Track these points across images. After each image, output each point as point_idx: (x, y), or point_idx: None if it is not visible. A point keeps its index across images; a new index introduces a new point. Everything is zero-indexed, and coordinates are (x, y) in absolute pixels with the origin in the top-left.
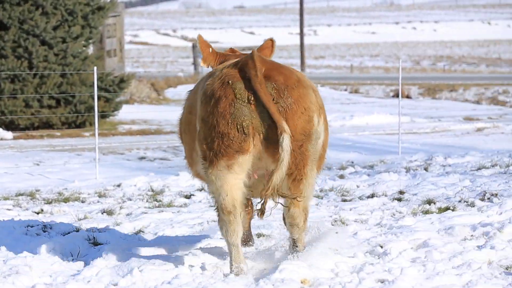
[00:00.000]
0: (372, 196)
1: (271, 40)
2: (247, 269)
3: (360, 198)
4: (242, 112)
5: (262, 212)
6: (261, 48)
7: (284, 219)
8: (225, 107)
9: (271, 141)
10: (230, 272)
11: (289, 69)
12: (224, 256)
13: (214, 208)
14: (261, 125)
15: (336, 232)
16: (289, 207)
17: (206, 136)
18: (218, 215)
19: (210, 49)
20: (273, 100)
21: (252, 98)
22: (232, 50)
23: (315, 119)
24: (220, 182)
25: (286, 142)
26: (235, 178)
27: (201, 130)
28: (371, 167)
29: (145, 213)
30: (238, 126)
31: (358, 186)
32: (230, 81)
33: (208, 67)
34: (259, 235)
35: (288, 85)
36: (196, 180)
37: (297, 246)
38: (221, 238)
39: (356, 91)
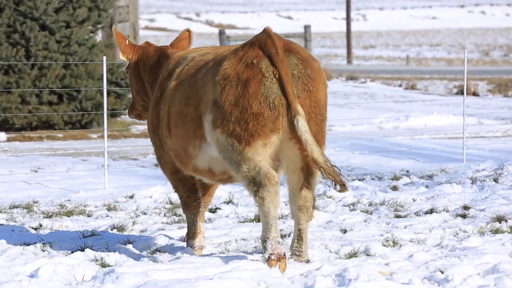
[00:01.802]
0: (431, 211)
1: (188, 31)
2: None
3: (417, 214)
4: (272, 90)
5: (343, 185)
6: (177, 40)
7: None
8: (256, 87)
9: (290, 122)
10: (267, 245)
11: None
12: (258, 282)
13: (252, 184)
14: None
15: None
16: (300, 188)
17: (239, 120)
18: (258, 189)
19: (127, 41)
20: (300, 72)
21: (277, 75)
22: (147, 43)
23: (327, 90)
24: (259, 157)
25: (302, 123)
26: (268, 156)
27: (229, 115)
28: (430, 177)
29: (162, 229)
30: (271, 105)
31: (414, 200)
32: (254, 61)
33: (127, 60)
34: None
35: (309, 57)
36: (222, 192)
37: (301, 240)
38: (258, 238)
39: (413, 87)
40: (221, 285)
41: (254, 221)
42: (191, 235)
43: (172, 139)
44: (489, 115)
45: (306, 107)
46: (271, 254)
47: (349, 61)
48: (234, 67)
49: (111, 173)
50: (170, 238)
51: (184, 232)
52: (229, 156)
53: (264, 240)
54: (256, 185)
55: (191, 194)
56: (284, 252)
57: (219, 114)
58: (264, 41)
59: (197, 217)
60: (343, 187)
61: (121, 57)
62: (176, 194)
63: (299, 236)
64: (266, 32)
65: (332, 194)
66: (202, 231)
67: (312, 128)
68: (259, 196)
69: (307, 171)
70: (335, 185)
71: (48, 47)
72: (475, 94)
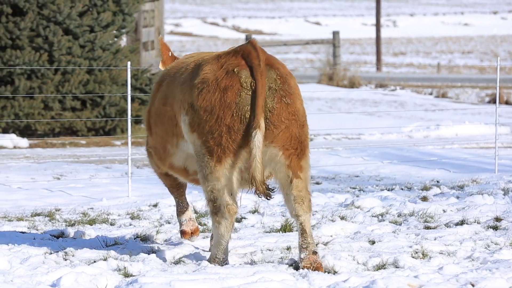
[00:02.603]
0: (462, 223)
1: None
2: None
3: (447, 225)
4: (246, 102)
5: (267, 195)
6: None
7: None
8: (232, 97)
9: (265, 134)
10: (215, 262)
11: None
12: None
13: (212, 204)
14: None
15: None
16: (291, 180)
17: (213, 130)
18: (217, 212)
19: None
20: (278, 86)
21: (254, 88)
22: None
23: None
24: (225, 180)
25: (258, 138)
26: (236, 173)
27: (203, 123)
28: (461, 187)
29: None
30: (242, 117)
31: (444, 211)
32: (235, 69)
33: None
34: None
35: (287, 74)
36: (248, 201)
37: (305, 233)
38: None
39: (444, 95)
40: None
41: (280, 231)
42: (178, 213)
43: (152, 137)
44: None
45: (284, 115)
46: None
47: (378, 68)
48: (214, 73)
49: (134, 181)
50: (195, 247)
51: (208, 241)
52: (200, 165)
53: (213, 258)
54: (215, 208)
55: (174, 185)
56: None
57: (196, 119)
58: (248, 52)
59: (181, 198)
60: (268, 196)
61: (161, 67)
62: (205, 203)
63: (302, 230)
64: (252, 44)
65: (360, 204)
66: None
67: (294, 130)
68: (216, 220)
69: (296, 166)
70: (260, 196)
71: (71, 52)
72: (507, 102)
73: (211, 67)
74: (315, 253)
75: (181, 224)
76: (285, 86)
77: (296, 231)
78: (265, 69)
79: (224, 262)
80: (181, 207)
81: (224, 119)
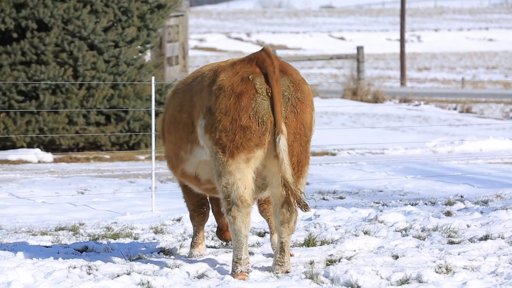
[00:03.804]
0: (486, 238)
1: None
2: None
3: (471, 240)
4: (262, 106)
5: (305, 206)
6: None
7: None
8: (247, 101)
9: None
10: (237, 265)
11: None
12: None
13: (226, 200)
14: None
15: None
16: (282, 204)
17: (227, 129)
18: (231, 207)
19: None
20: (291, 94)
21: (270, 93)
22: None
23: (313, 116)
24: (239, 174)
25: (283, 142)
26: (251, 172)
27: (217, 124)
28: (485, 202)
29: (210, 253)
30: (259, 120)
31: (468, 226)
32: (250, 77)
33: None
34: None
35: (300, 80)
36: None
37: (283, 252)
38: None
39: (468, 111)
40: None
41: (304, 246)
42: (192, 244)
43: (165, 145)
44: None
45: (292, 128)
46: (242, 271)
47: (402, 83)
48: (230, 79)
49: (158, 196)
50: (218, 262)
51: (230, 256)
52: (214, 164)
53: (235, 260)
54: (229, 203)
55: (196, 208)
56: (249, 269)
57: (211, 121)
58: (262, 59)
59: (200, 229)
60: (305, 207)
61: None
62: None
63: (281, 248)
64: (266, 51)
65: (384, 219)
66: (203, 242)
67: (295, 148)
68: (231, 215)
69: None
70: (298, 205)
71: (96, 67)
72: None
73: (227, 74)
74: (287, 272)
75: (191, 256)
76: (297, 94)
77: (320, 245)
78: (279, 76)
79: (246, 263)
80: (197, 238)
81: (240, 121)
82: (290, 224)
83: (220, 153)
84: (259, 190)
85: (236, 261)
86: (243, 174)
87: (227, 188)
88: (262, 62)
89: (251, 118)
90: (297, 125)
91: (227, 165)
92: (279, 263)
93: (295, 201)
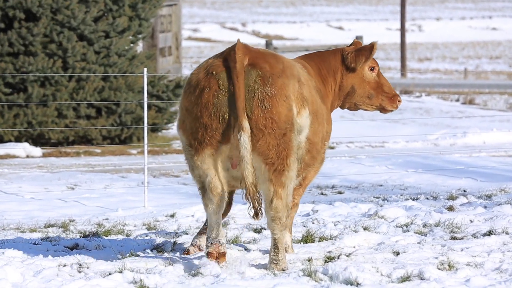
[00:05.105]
0: (490, 233)
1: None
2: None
3: (474, 236)
4: (224, 103)
5: (255, 214)
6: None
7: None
8: (208, 98)
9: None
10: (208, 243)
11: (276, 57)
12: None
13: (199, 189)
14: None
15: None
16: (271, 199)
17: (192, 126)
18: (203, 195)
19: None
20: (258, 88)
21: (233, 90)
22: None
23: (294, 109)
24: (206, 165)
25: (244, 139)
26: (220, 162)
27: (186, 120)
28: (489, 197)
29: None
30: (221, 117)
31: (471, 221)
32: (214, 72)
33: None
34: None
35: (273, 73)
36: None
37: (277, 249)
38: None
39: (471, 102)
40: None
41: (301, 242)
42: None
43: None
44: None
45: (260, 123)
46: (210, 251)
47: (403, 74)
48: (196, 75)
49: (151, 191)
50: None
51: (227, 253)
52: (186, 158)
53: (207, 237)
54: (202, 190)
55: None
56: (224, 252)
57: (181, 116)
58: (229, 53)
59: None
60: (255, 215)
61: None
62: None
63: (275, 246)
64: (234, 45)
65: (384, 214)
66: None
67: (270, 142)
68: (204, 203)
69: (276, 182)
70: (251, 209)
71: (86, 58)
72: None
73: (197, 69)
74: (283, 270)
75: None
76: (266, 88)
77: (318, 242)
78: (242, 70)
79: (215, 240)
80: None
81: (202, 118)
82: (281, 220)
83: (189, 148)
84: (239, 182)
85: (207, 240)
86: (210, 165)
87: (200, 178)
88: (228, 56)
89: (212, 115)
90: (266, 119)
91: (194, 159)
92: (274, 262)
93: (250, 206)
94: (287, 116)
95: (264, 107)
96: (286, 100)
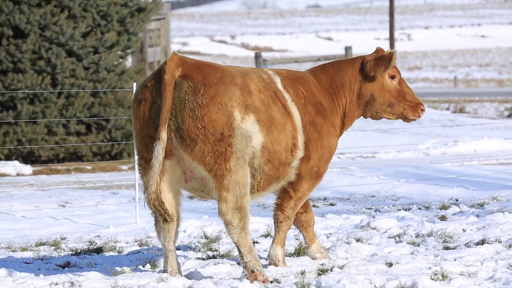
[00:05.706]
0: (483, 242)
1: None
2: None
3: (467, 245)
4: (157, 114)
5: (164, 219)
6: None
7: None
8: (143, 109)
9: (183, 148)
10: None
11: (215, 67)
12: None
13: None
14: (176, 127)
15: None
16: (218, 203)
17: (137, 144)
18: (156, 221)
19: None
20: (188, 99)
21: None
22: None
23: (237, 115)
24: (152, 180)
25: (158, 149)
26: (169, 182)
27: (135, 137)
28: (481, 206)
29: (198, 265)
30: (156, 129)
31: (464, 230)
32: (149, 84)
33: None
34: None
35: (206, 83)
36: (260, 224)
37: (240, 253)
38: None
39: (461, 110)
40: None
41: (294, 255)
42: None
43: None
44: None
45: (192, 132)
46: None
47: None
48: (138, 88)
49: (142, 207)
50: (206, 275)
51: (219, 268)
52: (139, 174)
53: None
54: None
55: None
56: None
57: (133, 131)
58: (162, 65)
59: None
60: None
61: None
62: (217, 227)
63: (238, 250)
64: (170, 57)
65: (377, 225)
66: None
67: (205, 149)
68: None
69: (220, 186)
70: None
71: (75, 74)
72: None
73: (142, 82)
74: (252, 271)
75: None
76: (197, 98)
77: None
78: (171, 82)
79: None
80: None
81: (141, 131)
82: (233, 223)
83: (139, 166)
84: (203, 194)
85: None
86: (154, 181)
87: (147, 198)
88: (162, 68)
89: (149, 127)
90: (198, 129)
91: (143, 178)
92: (243, 266)
93: (151, 207)
94: (224, 122)
95: (195, 116)
96: (222, 107)
